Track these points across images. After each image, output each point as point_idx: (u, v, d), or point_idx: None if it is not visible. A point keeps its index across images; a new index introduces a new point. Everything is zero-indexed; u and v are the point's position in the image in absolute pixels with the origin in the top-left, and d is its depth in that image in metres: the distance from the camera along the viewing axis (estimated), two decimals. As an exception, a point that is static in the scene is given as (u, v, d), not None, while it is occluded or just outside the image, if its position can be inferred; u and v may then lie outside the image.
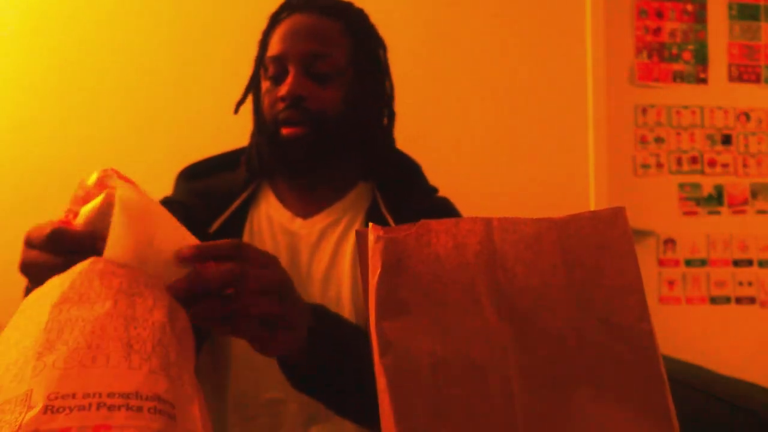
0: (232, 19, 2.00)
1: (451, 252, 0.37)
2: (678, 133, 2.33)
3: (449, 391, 0.34)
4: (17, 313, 0.45)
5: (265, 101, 0.92)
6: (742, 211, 2.34)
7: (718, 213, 2.33)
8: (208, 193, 0.95)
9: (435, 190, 1.04)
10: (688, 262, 2.31)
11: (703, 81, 2.35)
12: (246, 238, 0.92)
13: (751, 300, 2.32)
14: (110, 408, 0.35)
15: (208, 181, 0.97)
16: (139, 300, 0.44)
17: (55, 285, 0.45)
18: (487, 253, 0.37)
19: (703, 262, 2.31)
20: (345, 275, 0.91)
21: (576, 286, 0.37)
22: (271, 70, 0.91)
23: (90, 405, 0.35)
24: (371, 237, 0.37)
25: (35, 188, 1.92)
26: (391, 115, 1.00)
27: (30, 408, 0.34)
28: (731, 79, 2.36)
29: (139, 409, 0.36)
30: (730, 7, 2.37)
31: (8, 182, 1.92)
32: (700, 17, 2.35)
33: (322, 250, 0.92)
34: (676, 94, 2.34)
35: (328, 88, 0.89)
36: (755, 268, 2.33)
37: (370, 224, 0.38)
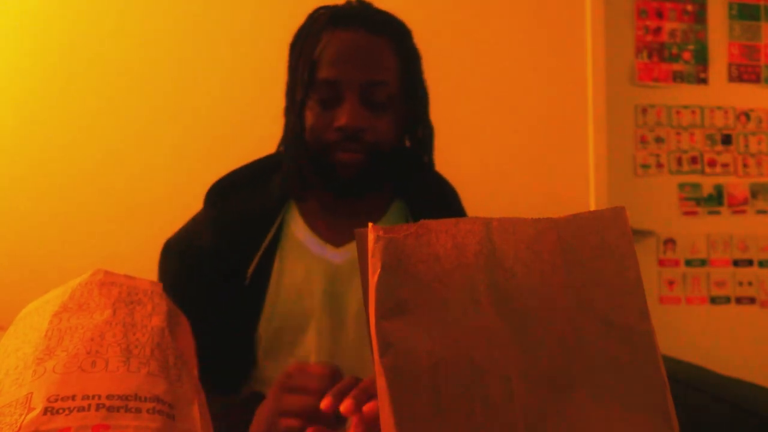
0: (233, 19, 2.00)
1: (451, 252, 0.37)
2: (678, 133, 2.33)
3: (449, 391, 0.34)
4: (16, 321, 0.46)
5: (314, 124, 0.88)
6: (742, 211, 2.34)
7: (718, 213, 2.34)
8: (238, 223, 0.91)
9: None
10: (688, 262, 2.31)
11: (703, 81, 2.35)
12: (276, 265, 0.89)
13: (751, 300, 2.32)
14: (109, 409, 0.35)
15: (239, 204, 0.94)
16: (138, 308, 0.45)
17: (56, 295, 0.46)
18: (486, 253, 0.37)
19: (703, 262, 2.31)
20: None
21: (576, 286, 0.37)
22: (321, 92, 0.87)
23: (89, 406, 0.35)
24: (371, 237, 0.37)
25: (35, 188, 1.92)
26: (427, 129, 0.99)
27: (30, 410, 0.35)
28: (731, 79, 2.37)
29: (138, 410, 0.36)
30: (730, 7, 2.37)
31: (8, 182, 1.93)
32: (700, 17, 2.36)
33: (357, 283, 0.89)
34: (676, 94, 2.34)
35: (383, 117, 0.87)
36: (755, 268, 2.33)
37: (370, 224, 0.39)
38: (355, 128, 0.85)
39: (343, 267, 0.90)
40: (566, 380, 0.35)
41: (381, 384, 0.35)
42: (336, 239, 0.92)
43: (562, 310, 0.36)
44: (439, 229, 0.37)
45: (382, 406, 0.36)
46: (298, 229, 0.93)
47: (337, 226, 0.93)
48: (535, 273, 0.37)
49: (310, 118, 0.88)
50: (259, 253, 0.89)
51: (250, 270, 0.88)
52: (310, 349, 0.87)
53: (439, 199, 0.99)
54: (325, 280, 0.89)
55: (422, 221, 0.38)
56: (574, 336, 0.36)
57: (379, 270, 0.36)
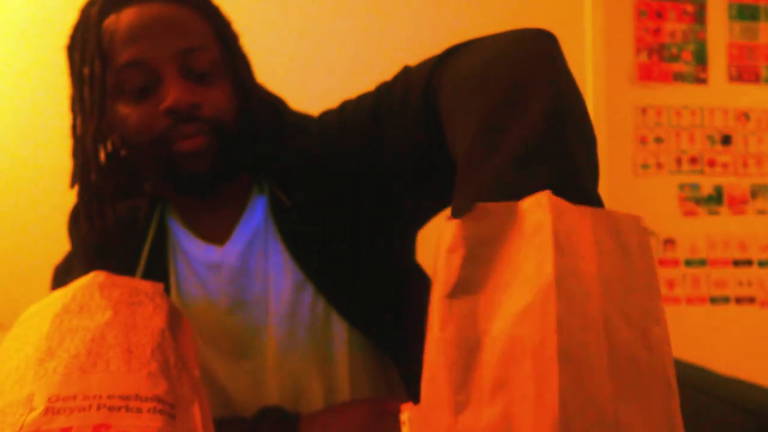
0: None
1: (514, 235, 0.38)
2: (678, 134, 2.33)
3: (502, 368, 0.35)
4: (17, 323, 0.46)
5: (133, 122, 0.69)
6: (742, 211, 2.35)
7: (718, 213, 2.34)
8: (110, 243, 0.79)
9: (301, 120, 0.83)
10: (688, 262, 2.31)
11: (703, 81, 2.35)
12: (172, 282, 0.79)
13: (751, 300, 2.32)
14: (110, 409, 0.36)
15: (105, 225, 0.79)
16: (139, 309, 0.45)
17: (57, 297, 0.46)
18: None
19: (703, 262, 2.31)
20: (284, 296, 0.77)
21: (605, 280, 0.37)
22: (129, 80, 0.68)
23: (90, 406, 0.35)
24: (446, 220, 0.39)
25: (35, 188, 1.92)
26: (257, 98, 0.81)
27: (32, 410, 0.35)
28: (731, 79, 2.37)
29: (139, 410, 0.36)
30: (730, 7, 2.37)
31: (8, 182, 1.93)
32: (700, 17, 2.36)
33: (249, 275, 0.78)
34: (676, 94, 2.34)
35: (214, 87, 0.71)
36: (755, 268, 2.33)
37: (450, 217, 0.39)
38: (188, 104, 0.68)
39: (230, 267, 0.77)
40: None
41: (437, 358, 0.35)
42: (219, 236, 0.79)
43: (595, 300, 0.37)
44: (502, 211, 0.38)
45: (436, 379, 0.36)
46: (182, 236, 0.80)
47: (213, 223, 0.80)
48: (592, 261, 0.37)
49: (123, 119, 0.70)
50: (143, 262, 0.78)
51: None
52: (227, 350, 0.79)
53: (278, 144, 0.80)
54: (219, 286, 0.77)
55: (480, 204, 0.38)
56: (602, 327, 0.36)
57: (446, 250, 0.37)
